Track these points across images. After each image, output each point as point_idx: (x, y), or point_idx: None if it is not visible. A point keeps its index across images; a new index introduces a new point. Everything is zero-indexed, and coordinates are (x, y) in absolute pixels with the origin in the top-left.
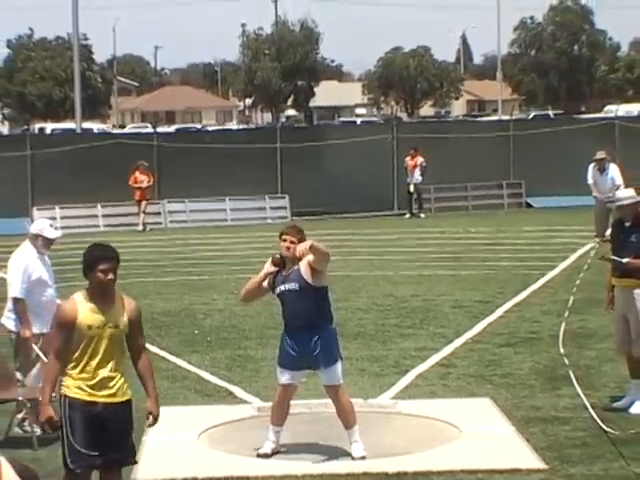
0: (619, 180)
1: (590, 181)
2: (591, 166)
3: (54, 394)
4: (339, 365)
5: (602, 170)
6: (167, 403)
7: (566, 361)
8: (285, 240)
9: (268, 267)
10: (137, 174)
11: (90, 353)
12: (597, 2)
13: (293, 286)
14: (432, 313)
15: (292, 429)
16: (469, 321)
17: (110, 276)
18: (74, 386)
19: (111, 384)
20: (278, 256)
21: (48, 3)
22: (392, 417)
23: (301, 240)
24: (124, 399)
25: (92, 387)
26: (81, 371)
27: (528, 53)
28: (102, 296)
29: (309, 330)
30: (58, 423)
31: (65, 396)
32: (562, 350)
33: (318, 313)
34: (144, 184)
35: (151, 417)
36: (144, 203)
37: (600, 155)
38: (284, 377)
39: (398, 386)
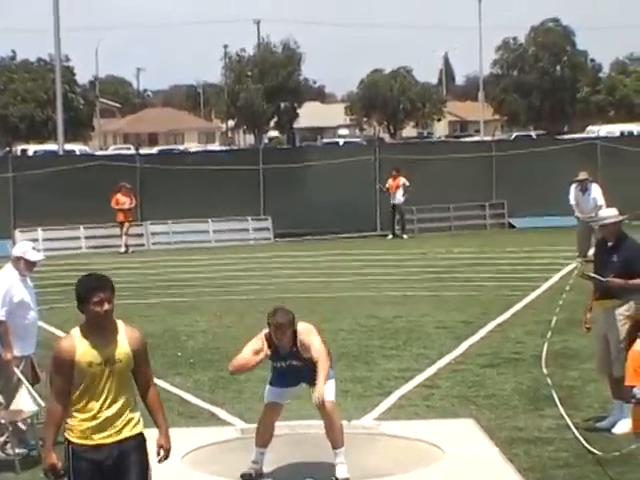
0: (601, 200)
1: (572, 201)
2: (573, 186)
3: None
4: (334, 382)
5: (584, 190)
6: (150, 425)
7: (549, 381)
8: (279, 328)
9: (265, 350)
10: (119, 196)
11: (93, 392)
12: (578, 23)
13: (295, 363)
14: (415, 334)
15: (276, 450)
16: (452, 342)
17: (106, 307)
18: (78, 429)
19: (118, 422)
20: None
21: (30, 25)
22: (376, 438)
23: (293, 324)
24: (134, 433)
25: (97, 430)
26: (84, 412)
27: (510, 74)
28: (100, 329)
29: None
30: (61, 472)
31: (68, 442)
32: (545, 370)
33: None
34: (126, 206)
35: (162, 451)
36: (126, 225)
37: (582, 176)
38: (271, 395)
39: (381, 407)
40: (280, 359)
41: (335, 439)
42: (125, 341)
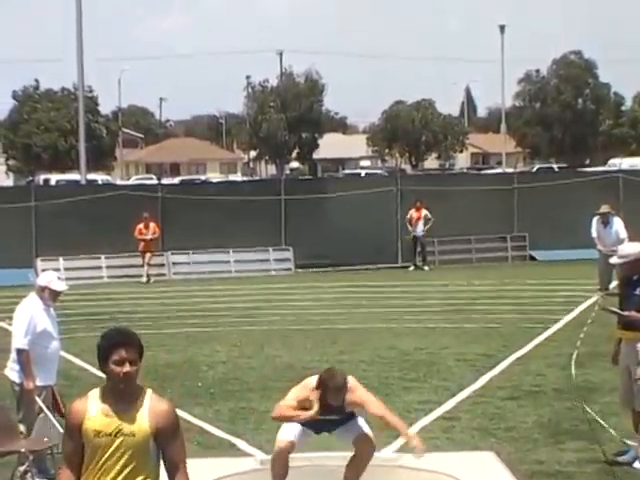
0: (623, 234)
1: (594, 234)
2: (595, 219)
3: None
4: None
5: (606, 224)
6: None
7: (587, 410)
8: (338, 390)
9: (316, 408)
10: (141, 226)
11: (101, 467)
12: (601, 55)
13: (335, 417)
14: (436, 366)
15: None
16: (473, 374)
17: (127, 368)
18: None
19: None
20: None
21: (54, 55)
22: (396, 471)
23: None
24: None
25: None
26: None
27: (532, 106)
28: (119, 394)
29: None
30: None
31: None
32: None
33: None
34: (148, 236)
35: None
36: (148, 255)
37: (604, 209)
38: (292, 432)
39: (402, 440)
40: (323, 414)
41: (359, 475)
42: (146, 413)
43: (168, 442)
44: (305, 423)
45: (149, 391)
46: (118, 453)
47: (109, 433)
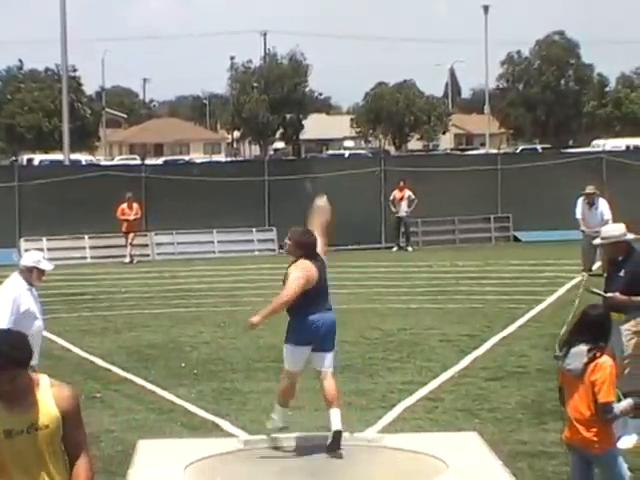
0: (608, 215)
1: (579, 215)
2: (580, 200)
3: None
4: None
5: (591, 204)
6: (153, 436)
7: None
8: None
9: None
10: (124, 206)
11: (15, 467)
12: (584, 36)
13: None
14: (419, 347)
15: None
16: (456, 355)
17: (4, 387)
18: None
19: None
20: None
21: (37, 36)
22: (379, 451)
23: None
24: None
25: None
26: None
27: (516, 87)
28: (6, 400)
29: (330, 311)
30: None
31: None
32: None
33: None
34: (131, 216)
35: None
36: (131, 235)
37: (589, 189)
38: (298, 359)
39: (385, 420)
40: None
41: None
42: (52, 402)
43: (74, 426)
44: (309, 338)
45: (44, 377)
46: (34, 448)
47: (21, 431)
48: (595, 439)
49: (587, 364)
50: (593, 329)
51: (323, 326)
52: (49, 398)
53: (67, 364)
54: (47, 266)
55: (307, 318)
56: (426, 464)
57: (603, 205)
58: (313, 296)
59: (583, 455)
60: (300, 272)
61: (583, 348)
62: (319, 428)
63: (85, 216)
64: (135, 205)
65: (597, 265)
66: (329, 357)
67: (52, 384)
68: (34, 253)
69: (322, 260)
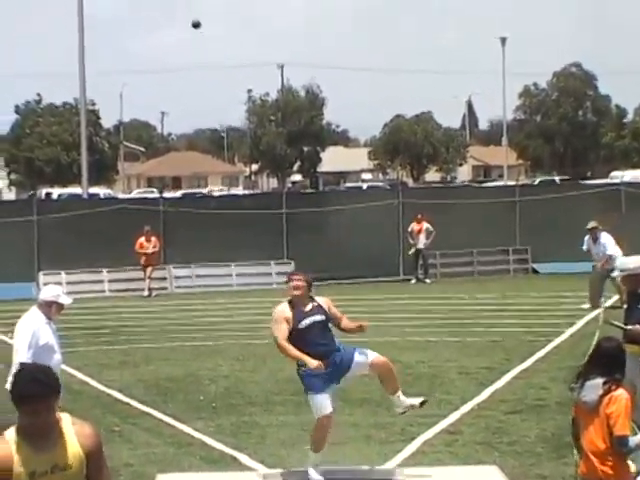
0: (610, 249)
1: (585, 248)
2: (587, 235)
3: None
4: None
5: (595, 239)
6: (172, 469)
7: None
8: (292, 280)
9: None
10: (142, 239)
11: None
12: (602, 68)
13: (319, 318)
14: (438, 380)
15: None
16: (475, 388)
17: (40, 419)
18: None
19: None
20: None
21: (56, 69)
22: None
23: (308, 281)
24: None
25: None
26: None
27: (533, 119)
28: (38, 431)
29: (333, 352)
30: None
31: None
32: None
33: (334, 337)
34: (150, 249)
35: None
36: (150, 269)
37: (591, 224)
38: (325, 403)
39: (404, 453)
40: (304, 317)
41: (395, 384)
42: (75, 441)
43: (97, 465)
44: (324, 378)
45: (66, 416)
46: None
47: (43, 472)
48: (611, 472)
49: (602, 396)
50: (608, 361)
51: (332, 362)
52: (72, 437)
53: (86, 398)
54: (66, 300)
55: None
56: None
57: (605, 239)
58: (311, 335)
59: None
60: (275, 314)
61: (599, 381)
62: (335, 462)
63: (103, 249)
64: (153, 238)
65: (615, 299)
66: (361, 356)
67: (74, 422)
68: (53, 287)
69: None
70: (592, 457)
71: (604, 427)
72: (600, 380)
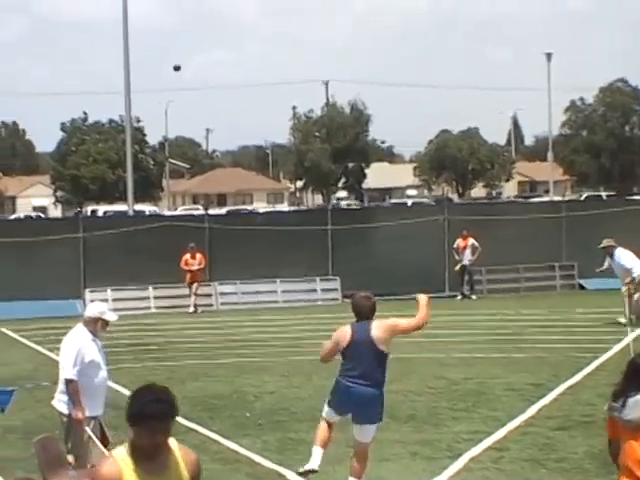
0: (627, 264)
1: (605, 266)
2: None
3: None
4: (375, 427)
5: (611, 256)
6: None
7: None
8: None
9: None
10: (188, 257)
11: None
12: None
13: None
14: (485, 396)
15: None
16: (522, 404)
17: (159, 439)
18: None
19: None
20: None
21: (101, 87)
22: None
23: None
24: None
25: None
26: None
27: (579, 134)
28: (151, 453)
29: (369, 387)
30: None
31: None
32: None
33: (378, 371)
34: (195, 266)
35: None
36: (195, 285)
37: (605, 243)
38: (331, 414)
39: (450, 470)
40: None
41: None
42: (181, 466)
43: None
44: (339, 399)
45: (173, 441)
46: None
47: None
48: None
49: None
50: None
51: (353, 396)
52: (179, 462)
53: None
54: (112, 317)
55: (340, 383)
56: None
57: (620, 255)
58: (347, 361)
59: None
60: (334, 334)
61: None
62: (381, 479)
63: (149, 266)
64: (198, 255)
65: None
66: (363, 430)
67: (180, 447)
68: (99, 304)
69: (367, 330)
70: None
71: None
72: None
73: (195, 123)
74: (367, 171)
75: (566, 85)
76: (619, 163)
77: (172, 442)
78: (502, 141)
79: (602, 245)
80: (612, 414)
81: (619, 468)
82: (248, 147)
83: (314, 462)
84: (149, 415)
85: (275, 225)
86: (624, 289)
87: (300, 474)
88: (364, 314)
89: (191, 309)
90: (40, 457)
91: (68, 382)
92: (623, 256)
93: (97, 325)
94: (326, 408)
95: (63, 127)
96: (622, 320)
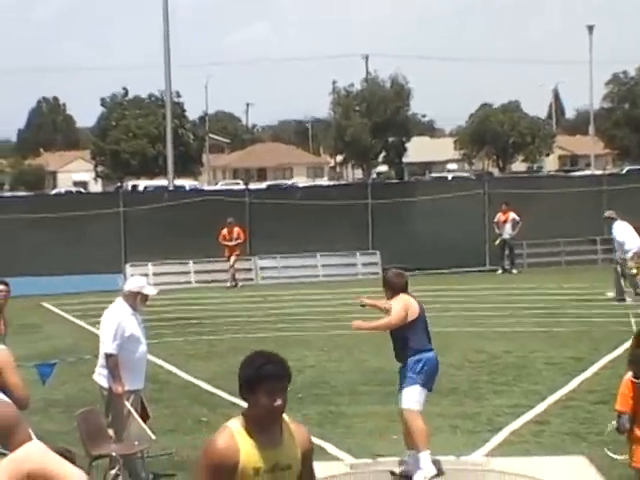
0: (620, 238)
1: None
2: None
3: None
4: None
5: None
6: None
7: None
8: None
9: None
10: (225, 231)
11: None
12: None
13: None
14: (525, 370)
15: None
16: (563, 378)
17: (279, 402)
18: None
19: None
20: None
21: (142, 62)
22: (485, 475)
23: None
24: None
25: None
26: None
27: (621, 107)
28: (268, 426)
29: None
30: None
31: None
32: None
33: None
34: (232, 241)
35: None
36: (233, 259)
37: (607, 214)
38: (424, 398)
39: (491, 443)
40: None
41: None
42: (294, 441)
43: (309, 470)
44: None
45: (285, 416)
46: None
47: (267, 469)
48: None
49: None
50: None
51: (434, 365)
52: (291, 437)
53: (173, 388)
54: (151, 291)
55: (424, 356)
56: None
57: (616, 228)
58: (421, 332)
59: None
60: (400, 303)
61: None
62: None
63: (190, 241)
64: (236, 229)
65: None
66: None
67: (291, 421)
68: (138, 278)
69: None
70: None
71: None
72: None
73: (235, 98)
74: (407, 145)
75: (608, 58)
76: None
77: (284, 417)
78: (543, 115)
79: (604, 216)
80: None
81: (630, 440)
82: (288, 122)
83: (432, 468)
84: (266, 376)
85: (315, 199)
86: (623, 266)
87: None
88: (398, 290)
89: (229, 283)
90: (81, 430)
91: (108, 356)
92: (619, 230)
93: (136, 299)
94: (420, 397)
95: (103, 102)
96: (610, 294)
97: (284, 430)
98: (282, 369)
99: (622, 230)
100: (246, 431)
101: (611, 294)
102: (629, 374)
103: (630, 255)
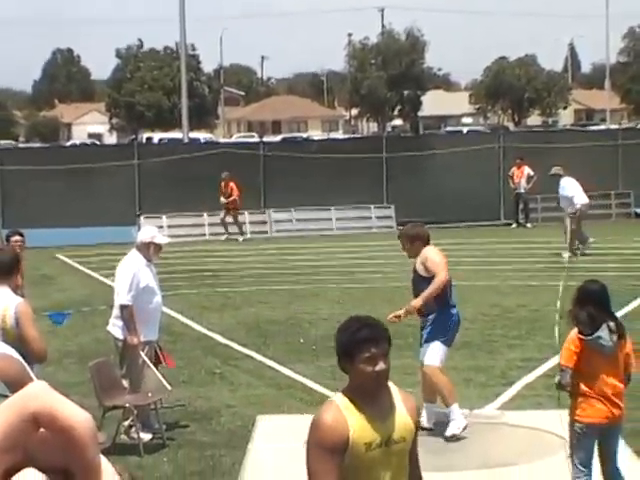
0: (568, 192)
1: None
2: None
3: None
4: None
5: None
6: (272, 411)
7: None
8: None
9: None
10: (222, 184)
11: None
12: None
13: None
14: (539, 323)
15: None
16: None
17: (381, 366)
18: None
19: None
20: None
21: (157, 14)
22: (498, 428)
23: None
24: None
25: None
26: None
27: (637, 61)
28: (374, 396)
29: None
30: None
31: None
32: None
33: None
34: (226, 198)
35: None
36: (223, 212)
37: (553, 171)
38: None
39: (504, 397)
40: None
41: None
42: (405, 412)
43: (416, 440)
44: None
45: (392, 385)
46: (390, 464)
47: (380, 443)
48: (623, 411)
49: (619, 339)
50: (606, 302)
51: (458, 322)
52: (402, 408)
53: (187, 340)
54: (163, 240)
55: (451, 312)
56: (546, 441)
57: (564, 184)
58: (450, 287)
59: (607, 431)
60: (438, 255)
61: (611, 324)
62: (435, 405)
63: (204, 193)
64: (230, 184)
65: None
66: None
67: (399, 391)
68: (149, 228)
69: None
70: (616, 399)
71: (621, 368)
72: (612, 323)
73: (250, 50)
74: (423, 99)
75: (625, 12)
76: None
77: (393, 387)
78: (559, 69)
79: (551, 172)
80: (596, 342)
81: (571, 396)
82: (303, 74)
83: (463, 420)
84: (364, 340)
85: (330, 153)
86: (567, 221)
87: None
88: (427, 240)
89: (241, 238)
90: (95, 381)
91: (123, 307)
92: (567, 185)
93: (150, 250)
94: (443, 354)
95: (118, 54)
96: (565, 255)
97: (393, 399)
98: (380, 332)
99: (570, 185)
100: (353, 404)
101: (567, 254)
102: (575, 330)
103: (578, 207)
